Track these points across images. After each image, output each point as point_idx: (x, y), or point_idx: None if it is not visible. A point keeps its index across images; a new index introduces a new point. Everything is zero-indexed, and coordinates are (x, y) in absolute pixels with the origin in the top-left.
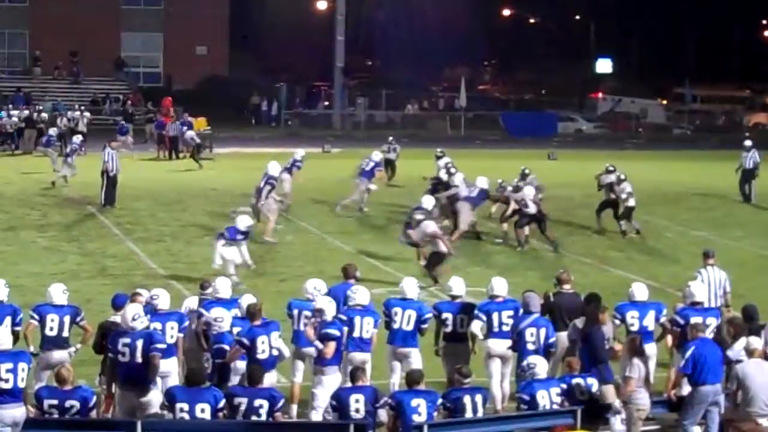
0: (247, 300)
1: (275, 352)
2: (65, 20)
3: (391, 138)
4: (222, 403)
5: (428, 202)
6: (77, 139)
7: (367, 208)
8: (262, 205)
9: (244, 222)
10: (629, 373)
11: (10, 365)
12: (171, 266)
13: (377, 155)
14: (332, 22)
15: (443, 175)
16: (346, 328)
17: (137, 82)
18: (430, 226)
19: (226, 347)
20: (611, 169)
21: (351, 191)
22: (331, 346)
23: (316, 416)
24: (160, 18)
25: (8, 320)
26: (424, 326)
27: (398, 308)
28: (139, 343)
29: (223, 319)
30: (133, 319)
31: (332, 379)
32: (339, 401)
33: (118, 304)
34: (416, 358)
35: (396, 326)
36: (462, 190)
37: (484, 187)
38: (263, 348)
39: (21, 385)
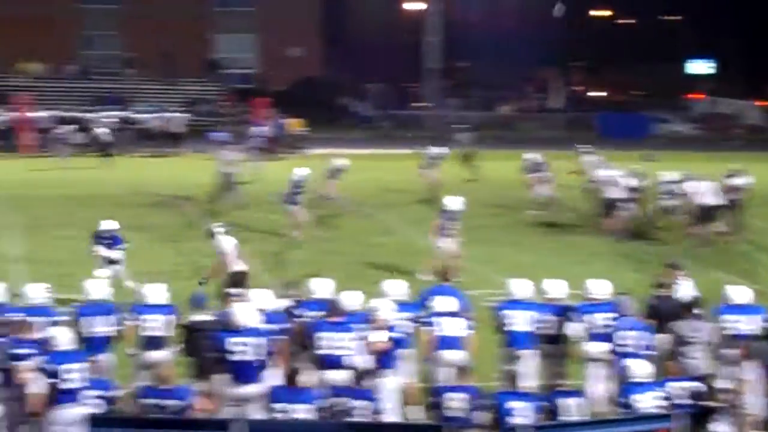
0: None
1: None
2: (158, 22)
3: (463, 130)
4: (322, 403)
5: (454, 203)
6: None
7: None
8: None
9: (105, 224)
10: (742, 377)
11: (72, 365)
12: (267, 266)
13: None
14: (424, 23)
15: (591, 172)
16: (433, 328)
17: (231, 84)
18: (226, 246)
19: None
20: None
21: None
22: (383, 347)
23: (387, 419)
24: (254, 20)
25: (108, 320)
26: (540, 325)
27: (512, 310)
28: (254, 341)
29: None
30: (247, 318)
31: (389, 382)
32: (436, 397)
33: (198, 304)
34: (532, 360)
35: (513, 329)
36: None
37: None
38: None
39: (77, 385)
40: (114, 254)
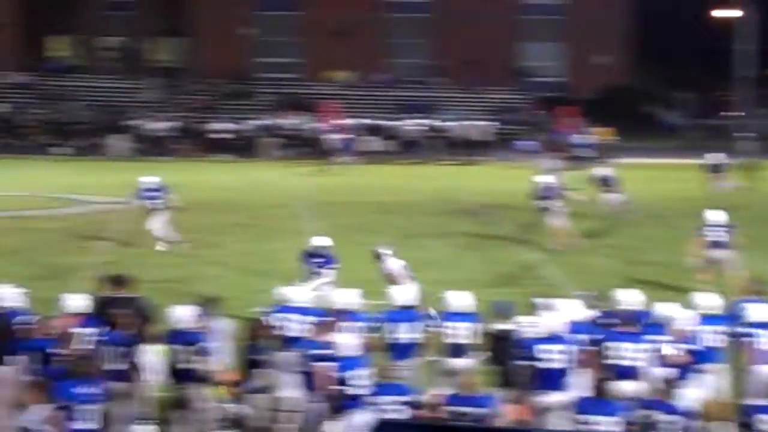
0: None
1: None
2: (465, 30)
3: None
4: (628, 415)
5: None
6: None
7: None
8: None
9: (317, 241)
10: None
11: (359, 371)
12: (574, 277)
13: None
14: (736, 30)
15: None
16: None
17: (537, 92)
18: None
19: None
20: None
21: None
22: (680, 360)
23: None
24: (561, 27)
25: (413, 326)
26: None
27: None
28: (561, 348)
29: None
30: (554, 326)
31: (689, 395)
32: (748, 416)
33: (503, 312)
34: None
35: None
36: None
37: None
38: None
39: (364, 391)
40: (323, 274)
